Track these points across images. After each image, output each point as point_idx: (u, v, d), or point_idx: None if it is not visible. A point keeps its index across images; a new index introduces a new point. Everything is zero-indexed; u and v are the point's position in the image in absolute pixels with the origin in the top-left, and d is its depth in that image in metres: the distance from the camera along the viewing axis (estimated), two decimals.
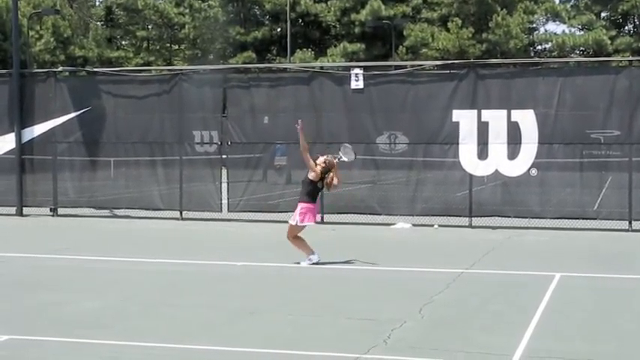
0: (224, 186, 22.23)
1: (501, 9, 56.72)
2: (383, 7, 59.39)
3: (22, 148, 23.36)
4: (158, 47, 68.14)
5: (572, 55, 60.41)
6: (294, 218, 14.63)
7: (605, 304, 11.33)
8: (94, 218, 22.57)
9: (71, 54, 60.59)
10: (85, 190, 23.60)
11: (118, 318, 10.43)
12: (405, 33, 58.77)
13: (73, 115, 23.14)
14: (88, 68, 39.59)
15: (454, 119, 20.41)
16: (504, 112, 20.05)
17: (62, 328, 9.80)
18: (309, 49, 60.51)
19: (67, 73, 28.23)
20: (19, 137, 23.27)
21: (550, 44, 61.57)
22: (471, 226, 20.13)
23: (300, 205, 14.62)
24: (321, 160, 14.73)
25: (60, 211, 23.23)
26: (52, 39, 58.88)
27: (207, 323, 10.11)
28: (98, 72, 26.41)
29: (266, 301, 11.50)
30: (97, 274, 13.86)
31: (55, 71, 25.21)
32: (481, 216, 20.27)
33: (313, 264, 14.45)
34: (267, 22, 65.26)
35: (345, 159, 15.11)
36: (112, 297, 11.80)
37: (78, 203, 23.31)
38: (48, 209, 23.34)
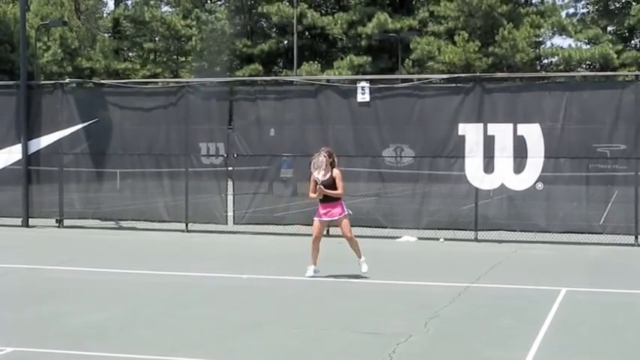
0: (230, 198, 22.24)
1: (508, 23, 56.71)
2: (389, 20, 59.43)
3: (29, 159, 23.41)
4: (165, 59, 68.29)
5: (578, 69, 60.36)
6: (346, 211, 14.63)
7: (611, 318, 11.30)
8: (99, 230, 22.58)
9: (78, 65, 60.75)
10: (91, 202, 23.62)
11: (124, 330, 10.43)
12: (411, 46, 58.78)
13: (79, 126, 23.19)
14: (94, 80, 39.70)
15: (460, 133, 20.41)
16: (510, 125, 20.05)
17: (67, 340, 9.79)
18: (316, 62, 60.53)
19: (74, 85, 28.33)
20: (25, 148, 23.32)
21: (556, 58, 61.52)
22: (476, 239, 20.11)
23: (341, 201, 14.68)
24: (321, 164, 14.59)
25: (66, 222, 23.26)
26: (59, 50, 59.04)
27: (213, 335, 10.10)
28: (105, 84, 26.47)
29: (271, 313, 11.49)
30: (103, 285, 13.87)
31: (62, 83, 25.28)
32: (487, 230, 20.25)
33: (310, 276, 14.50)
34: (273, 35, 65.31)
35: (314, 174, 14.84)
36: (117, 309, 11.79)
37: (84, 215, 23.34)
38: (54, 220, 23.38)
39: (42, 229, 22.85)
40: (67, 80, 27.96)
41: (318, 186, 14.48)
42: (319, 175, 14.51)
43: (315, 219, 14.81)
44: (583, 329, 10.55)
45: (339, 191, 14.52)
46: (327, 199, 14.57)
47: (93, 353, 9.21)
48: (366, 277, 14.49)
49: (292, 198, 22.62)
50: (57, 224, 23.29)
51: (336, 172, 14.59)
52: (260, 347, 9.55)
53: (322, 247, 14.85)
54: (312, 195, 14.67)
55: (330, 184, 14.47)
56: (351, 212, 14.93)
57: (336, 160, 14.92)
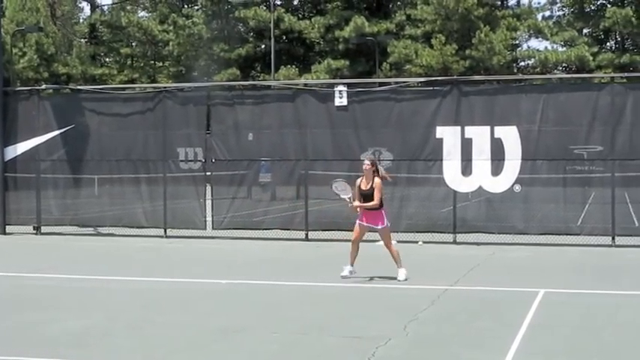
0: (208, 203, 22.20)
1: (484, 26, 56.89)
2: (366, 23, 59.49)
3: (5, 165, 23.31)
4: (142, 64, 68.12)
5: (554, 71, 60.63)
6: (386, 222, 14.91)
7: (590, 319, 11.36)
8: (77, 236, 22.50)
9: (55, 71, 60.47)
10: (69, 208, 23.55)
11: (102, 337, 10.39)
12: (388, 49, 58.88)
13: (56, 132, 23.11)
14: (71, 86, 39.55)
15: (438, 135, 20.47)
16: (488, 128, 20.13)
17: (46, 348, 9.75)
18: (294, 66, 60.53)
19: (50, 91, 28.22)
20: (1, 155, 23.23)
21: (533, 60, 61.77)
22: (455, 242, 20.17)
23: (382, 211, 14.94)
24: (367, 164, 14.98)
25: (43, 229, 23.16)
26: (35, 56, 58.73)
27: (192, 342, 10.08)
28: (82, 89, 26.39)
29: (251, 319, 11.49)
30: (81, 292, 13.81)
31: (39, 89, 25.18)
32: (465, 232, 20.30)
33: (345, 276, 14.77)
34: (251, 39, 65.25)
35: (341, 195, 15.23)
36: (96, 316, 11.75)
37: (62, 221, 23.25)
38: (31, 227, 23.28)
39: (19, 236, 22.74)
40: (44, 86, 27.86)
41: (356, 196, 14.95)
42: (343, 194, 15.12)
43: (357, 222, 15.07)
44: (561, 330, 10.59)
45: (374, 202, 14.74)
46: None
47: None
48: (344, 281, 14.51)
49: (271, 202, 22.65)
50: (34, 231, 23.18)
51: (377, 181, 14.83)
52: (240, 353, 9.55)
53: (301, 252, 14.87)
54: (355, 204, 14.96)
55: (370, 193, 14.76)
56: (388, 224, 15.07)
57: (381, 168, 15.20)
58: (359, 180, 15.03)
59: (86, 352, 9.56)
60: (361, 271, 15.45)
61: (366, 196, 14.79)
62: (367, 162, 15.06)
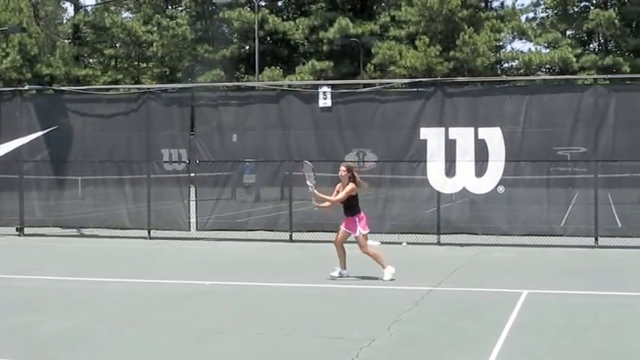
0: (192, 204, 22.17)
1: (468, 27, 57.00)
2: (351, 25, 59.53)
3: None
4: (126, 65, 67.93)
5: (538, 72, 60.82)
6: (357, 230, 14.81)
7: (573, 320, 11.39)
8: (61, 238, 22.42)
9: (38, 72, 60.27)
10: (52, 210, 23.48)
11: (87, 339, 10.36)
12: (373, 51, 58.93)
13: (39, 133, 23.04)
14: (55, 87, 39.41)
15: (422, 137, 20.51)
16: (471, 129, 20.18)
17: (30, 350, 9.72)
18: (278, 67, 60.52)
19: (33, 92, 28.12)
20: None
21: (517, 62, 61.92)
22: (439, 243, 20.20)
23: (356, 218, 14.87)
24: (343, 170, 15.03)
25: (26, 230, 23.09)
26: (18, 57, 58.50)
27: (176, 343, 10.07)
28: (65, 90, 26.29)
29: (235, 320, 11.48)
30: (65, 294, 13.77)
31: (22, 90, 25.10)
32: (449, 233, 20.34)
33: (334, 277, 14.88)
34: (235, 40, 65.20)
35: (307, 180, 15.19)
36: (80, 317, 11.72)
37: (45, 223, 23.17)
38: (14, 229, 23.19)
39: (2, 238, 22.66)
40: (27, 87, 27.80)
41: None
42: (309, 180, 15.07)
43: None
44: (545, 331, 10.63)
45: (337, 198, 14.89)
46: (346, 212, 14.96)
47: None
48: (328, 282, 14.53)
49: (255, 203, 22.63)
50: (17, 232, 23.11)
51: (350, 186, 14.82)
52: (224, 354, 9.54)
53: (285, 253, 14.88)
54: (315, 192, 15.05)
55: (346, 199, 14.83)
56: (362, 231, 14.93)
57: (356, 175, 15.14)
58: (338, 186, 15.11)
59: (70, 354, 9.54)
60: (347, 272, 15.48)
61: (343, 202, 14.85)
62: (343, 168, 15.10)
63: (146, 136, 22.24)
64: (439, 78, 29.69)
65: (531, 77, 48.30)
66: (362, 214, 14.98)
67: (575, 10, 64.24)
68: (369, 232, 15.08)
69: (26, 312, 12.15)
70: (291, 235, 21.06)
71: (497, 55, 61.77)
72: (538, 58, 59.93)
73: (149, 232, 21.98)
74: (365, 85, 23.88)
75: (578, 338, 10.26)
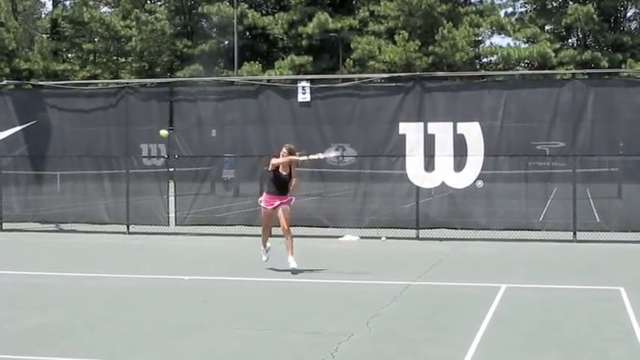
0: (171, 199, 22.13)
1: (447, 22, 57.19)
2: (330, 19, 59.63)
3: None
4: (105, 60, 67.77)
5: (517, 67, 61.06)
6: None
7: (551, 314, 11.43)
8: (39, 233, 22.33)
9: (16, 67, 60.00)
10: (31, 205, 23.37)
11: (63, 334, 10.32)
12: (352, 46, 59.03)
13: (17, 128, 22.93)
14: (33, 81, 39.18)
15: (401, 132, 20.53)
16: (450, 124, 20.21)
17: (6, 346, 9.66)
18: (257, 62, 60.49)
19: (11, 87, 27.95)
20: None
21: (495, 57, 62.18)
22: (418, 238, 20.24)
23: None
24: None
25: (5, 225, 22.99)
26: None
27: (153, 338, 10.04)
28: (44, 85, 26.14)
29: (213, 315, 11.46)
30: (42, 290, 13.71)
31: (0, 84, 24.95)
32: (428, 228, 20.39)
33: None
34: (214, 35, 65.11)
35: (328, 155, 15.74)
36: (56, 313, 11.67)
37: (23, 218, 23.09)
38: None
39: None
40: (5, 82, 27.59)
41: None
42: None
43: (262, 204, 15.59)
44: (522, 325, 10.66)
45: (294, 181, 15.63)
46: (280, 190, 15.41)
47: (32, 358, 9.10)
48: (308, 277, 14.53)
49: (234, 199, 22.59)
50: None
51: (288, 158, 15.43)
52: (201, 349, 9.52)
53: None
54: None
55: (288, 179, 15.41)
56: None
57: (294, 156, 15.52)
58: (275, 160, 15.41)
59: (46, 349, 9.49)
60: (326, 267, 15.51)
61: (284, 181, 15.31)
62: (284, 150, 15.52)
63: (125, 130, 22.18)
64: (418, 73, 29.71)
65: (510, 72, 48.44)
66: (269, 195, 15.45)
67: (554, 5, 64.58)
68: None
69: (1, 308, 12.07)
70: (269, 231, 20.99)
71: (476, 50, 62.02)
72: (517, 52, 60.22)
73: (128, 227, 21.92)
74: (344, 80, 23.85)
75: (555, 332, 10.29)
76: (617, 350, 9.40)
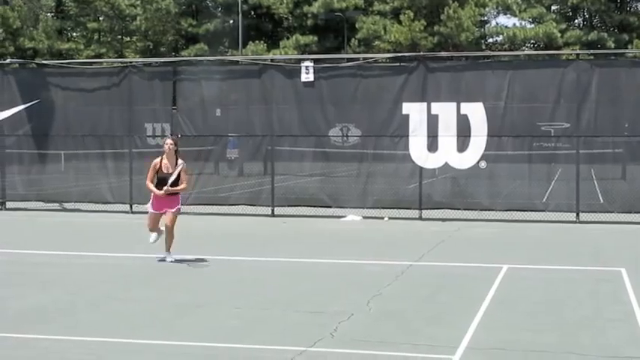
0: None
1: (453, 2, 56.93)
2: None
3: None
4: (109, 39, 67.58)
5: (522, 48, 60.84)
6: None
7: (551, 294, 11.44)
8: (43, 212, 22.36)
9: (20, 46, 59.91)
10: (34, 184, 23.40)
11: (64, 313, 10.35)
12: (357, 25, 58.82)
13: (21, 107, 22.94)
14: (37, 60, 39.13)
15: (404, 112, 20.51)
16: (454, 104, 20.17)
17: (8, 323, 9.69)
18: (262, 42, 60.34)
19: (16, 65, 27.94)
20: None
21: (501, 37, 61.96)
22: (420, 218, 20.24)
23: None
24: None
25: (8, 205, 23.04)
26: (0, 30, 58.14)
27: (154, 317, 10.06)
28: (48, 64, 26.13)
29: (214, 294, 11.48)
30: (45, 268, 13.74)
31: (4, 63, 24.94)
32: (431, 208, 20.40)
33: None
34: (219, 14, 64.93)
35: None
36: (58, 292, 11.70)
37: (27, 197, 23.12)
38: None
39: None
40: (9, 61, 27.57)
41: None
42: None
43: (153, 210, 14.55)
44: (523, 305, 10.67)
45: (184, 186, 14.39)
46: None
47: (34, 336, 9.12)
48: (310, 257, 14.55)
49: (238, 178, 22.61)
50: (0, 207, 23.02)
51: (181, 163, 14.25)
52: (202, 328, 9.54)
53: (267, 228, 14.87)
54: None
55: (176, 178, 14.19)
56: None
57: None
58: (157, 160, 14.33)
59: (47, 327, 9.51)
60: (328, 247, 15.51)
61: (164, 180, 14.13)
62: (169, 141, 14.39)
63: (128, 110, 22.18)
64: (422, 53, 29.63)
65: (515, 52, 48.28)
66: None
67: None
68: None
69: (4, 286, 12.11)
70: (273, 210, 21.06)
71: (482, 30, 61.75)
72: (522, 33, 59.97)
73: (131, 207, 21.95)
74: (348, 60, 23.82)
75: (555, 313, 10.30)
76: (617, 330, 9.40)
